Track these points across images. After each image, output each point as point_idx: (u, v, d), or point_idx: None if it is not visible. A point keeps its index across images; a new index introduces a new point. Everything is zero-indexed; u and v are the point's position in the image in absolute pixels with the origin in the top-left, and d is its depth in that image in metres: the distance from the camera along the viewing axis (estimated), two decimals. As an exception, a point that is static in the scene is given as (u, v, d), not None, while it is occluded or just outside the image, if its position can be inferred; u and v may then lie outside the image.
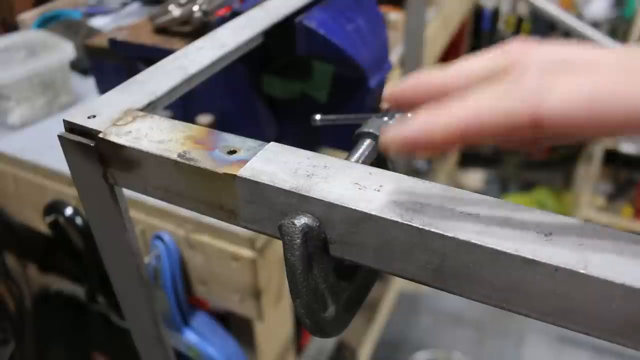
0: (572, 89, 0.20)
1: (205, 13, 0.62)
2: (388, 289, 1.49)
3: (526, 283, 0.21)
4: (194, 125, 0.30)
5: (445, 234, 0.22)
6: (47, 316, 0.96)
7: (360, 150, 0.34)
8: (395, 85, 0.26)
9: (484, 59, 0.25)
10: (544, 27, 2.13)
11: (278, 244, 0.59)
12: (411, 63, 0.96)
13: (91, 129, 0.31)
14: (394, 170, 0.33)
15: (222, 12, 0.62)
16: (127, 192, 0.33)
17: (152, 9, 0.79)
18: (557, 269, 0.20)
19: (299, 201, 0.25)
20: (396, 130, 0.23)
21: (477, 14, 2.05)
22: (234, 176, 0.26)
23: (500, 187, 2.25)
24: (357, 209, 0.23)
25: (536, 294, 0.21)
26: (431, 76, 0.26)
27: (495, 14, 2.07)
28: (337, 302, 0.28)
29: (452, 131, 0.21)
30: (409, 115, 0.24)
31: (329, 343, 1.17)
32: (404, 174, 0.25)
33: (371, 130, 0.35)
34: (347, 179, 0.25)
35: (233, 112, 0.63)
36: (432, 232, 0.22)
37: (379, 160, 0.35)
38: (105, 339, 0.93)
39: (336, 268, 0.28)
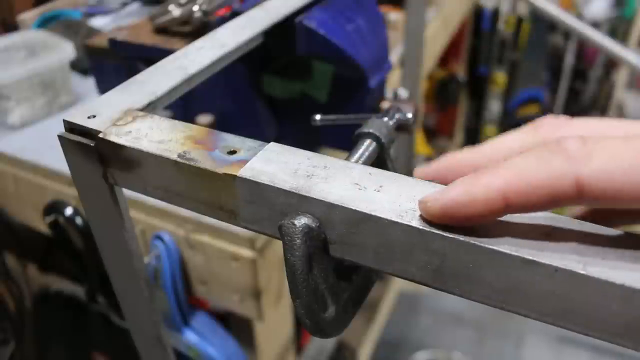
0: (613, 155, 0.20)
1: (205, 13, 0.62)
2: (388, 289, 1.49)
3: (526, 283, 0.21)
4: (194, 125, 0.30)
5: (445, 234, 0.22)
6: (47, 316, 0.96)
7: (360, 150, 0.34)
8: (425, 167, 0.26)
9: (515, 136, 0.24)
10: (544, 27, 2.14)
11: (278, 244, 0.59)
12: (411, 63, 0.96)
13: (91, 129, 0.31)
14: (394, 170, 0.33)
15: (222, 12, 0.62)
16: (127, 192, 0.33)
17: (152, 9, 0.78)
18: (557, 269, 0.20)
19: (299, 201, 0.25)
20: (434, 195, 0.22)
21: (477, 14, 2.05)
22: (234, 176, 0.26)
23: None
24: (357, 209, 0.23)
25: (536, 295, 0.21)
26: (463, 155, 0.25)
27: (495, 14, 2.07)
28: (337, 303, 0.28)
29: (493, 193, 0.21)
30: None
31: (329, 343, 1.17)
32: (404, 174, 0.25)
33: (371, 131, 0.35)
34: (347, 179, 0.25)
35: (233, 112, 0.63)
36: (432, 232, 0.22)
37: (379, 160, 0.35)
38: (105, 339, 0.93)
39: (336, 268, 0.28)
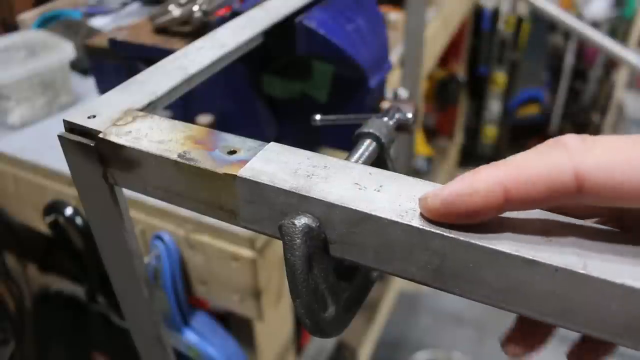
0: (613, 151, 0.20)
1: (205, 13, 0.62)
2: (388, 289, 1.49)
3: (526, 283, 0.21)
4: (194, 125, 0.30)
5: (445, 233, 0.22)
6: (47, 316, 0.96)
7: (360, 150, 0.34)
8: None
9: None
10: (544, 27, 2.13)
11: (278, 244, 0.59)
12: (411, 63, 0.96)
13: (91, 129, 0.31)
14: (394, 170, 0.33)
15: (222, 12, 0.62)
16: (127, 192, 0.33)
17: (152, 9, 0.78)
18: (557, 269, 0.20)
19: (299, 201, 0.25)
20: (434, 191, 0.22)
21: (477, 14, 2.05)
22: (234, 176, 0.26)
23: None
24: (357, 209, 0.23)
25: (536, 295, 0.21)
26: None
27: (495, 14, 2.07)
28: (337, 302, 0.28)
29: (494, 185, 0.21)
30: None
31: (329, 343, 1.17)
32: (404, 174, 0.25)
33: (371, 131, 0.35)
34: (347, 179, 0.25)
35: (233, 112, 0.63)
36: (432, 232, 0.22)
37: (379, 160, 0.35)
38: (105, 339, 0.93)
39: (336, 268, 0.28)
